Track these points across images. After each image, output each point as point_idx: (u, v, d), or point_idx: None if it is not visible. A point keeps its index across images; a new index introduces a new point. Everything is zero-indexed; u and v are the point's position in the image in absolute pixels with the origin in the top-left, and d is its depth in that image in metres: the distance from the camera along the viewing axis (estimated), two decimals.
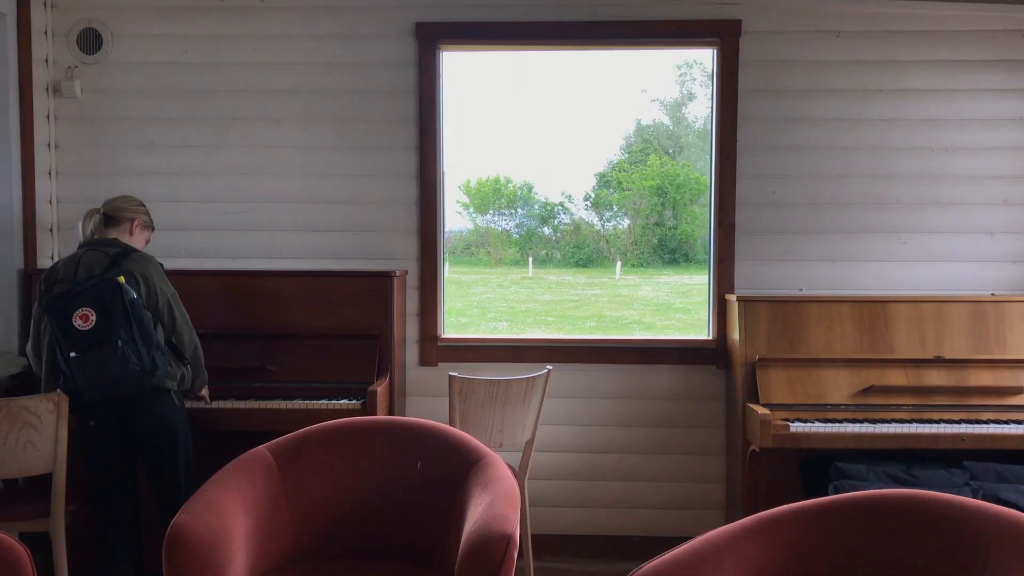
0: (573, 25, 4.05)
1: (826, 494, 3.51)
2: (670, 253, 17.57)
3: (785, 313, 3.84)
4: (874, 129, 4.05)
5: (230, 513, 2.57)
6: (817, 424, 3.53)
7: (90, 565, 3.47)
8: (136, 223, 3.39)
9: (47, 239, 4.13)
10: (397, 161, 4.16)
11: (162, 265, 3.36)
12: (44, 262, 4.07)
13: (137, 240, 3.39)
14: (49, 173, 4.14)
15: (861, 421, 3.56)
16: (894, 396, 3.71)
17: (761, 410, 3.56)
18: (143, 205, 3.45)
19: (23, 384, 3.75)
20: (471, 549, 2.38)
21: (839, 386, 3.74)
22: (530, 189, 17.22)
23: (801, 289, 4.10)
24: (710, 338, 4.17)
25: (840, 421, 3.56)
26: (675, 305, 16.16)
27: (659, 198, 16.89)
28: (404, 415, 4.14)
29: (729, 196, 4.09)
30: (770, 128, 4.08)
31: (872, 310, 3.84)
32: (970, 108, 4.04)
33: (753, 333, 3.83)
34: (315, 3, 4.12)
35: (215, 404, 3.60)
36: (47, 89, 4.12)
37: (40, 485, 3.38)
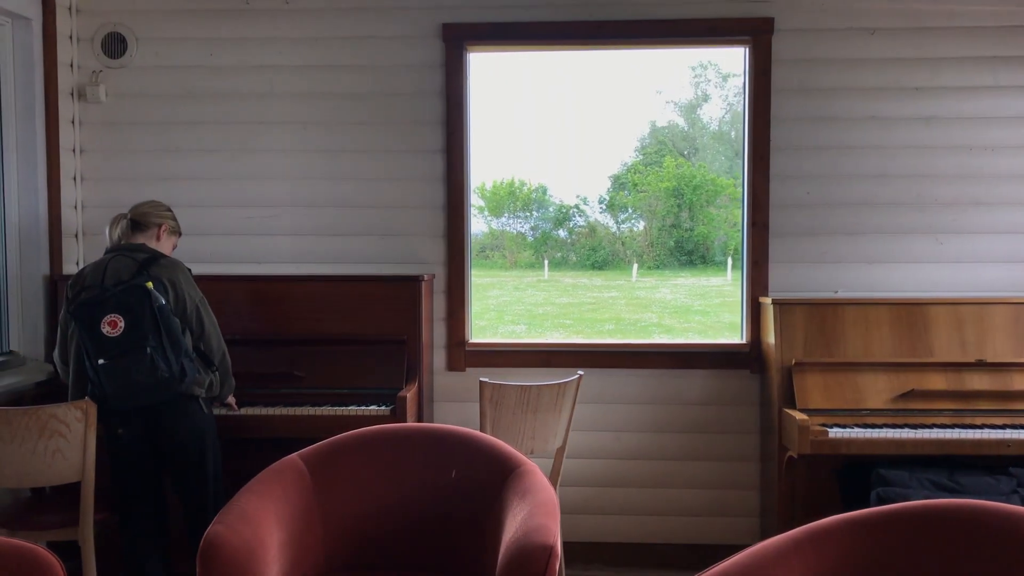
0: (602, 25, 3.99)
1: (867, 501, 3.46)
2: (687, 255, 17.48)
3: (821, 316, 3.77)
4: (911, 128, 3.97)
5: (264, 523, 2.52)
6: (856, 430, 3.45)
7: (118, 574, 3.43)
8: (163, 228, 3.35)
9: (72, 245, 4.10)
10: (424, 164, 4.11)
11: (190, 270, 3.32)
12: (70, 268, 4.04)
13: (164, 245, 3.35)
14: (74, 178, 4.12)
15: (901, 426, 3.48)
16: (934, 401, 3.62)
17: (799, 416, 3.48)
18: (170, 210, 3.41)
19: (49, 391, 3.73)
20: (511, 561, 2.32)
21: (878, 390, 3.66)
22: (545, 191, 17.16)
23: (836, 292, 4.02)
24: (743, 342, 4.10)
25: (880, 427, 3.48)
26: (694, 307, 16.07)
27: (675, 200, 16.81)
28: (432, 421, 4.08)
29: (762, 197, 4.01)
30: (804, 128, 4.00)
31: (911, 313, 3.76)
32: (1010, 105, 3.94)
33: (789, 337, 3.75)
34: (341, 5, 4.07)
35: (243, 411, 3.56)
36: (72, 94, 4.09)
37: (67, 494, 3.35)
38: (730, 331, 14.00)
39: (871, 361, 3.69)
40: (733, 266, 17.39)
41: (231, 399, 3.51)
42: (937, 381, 3.64)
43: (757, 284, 4.03)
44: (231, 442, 3.48)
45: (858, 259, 4.02)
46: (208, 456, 3.29)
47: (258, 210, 4.15)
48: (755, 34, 3.98)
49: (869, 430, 3.45)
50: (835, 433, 3.43)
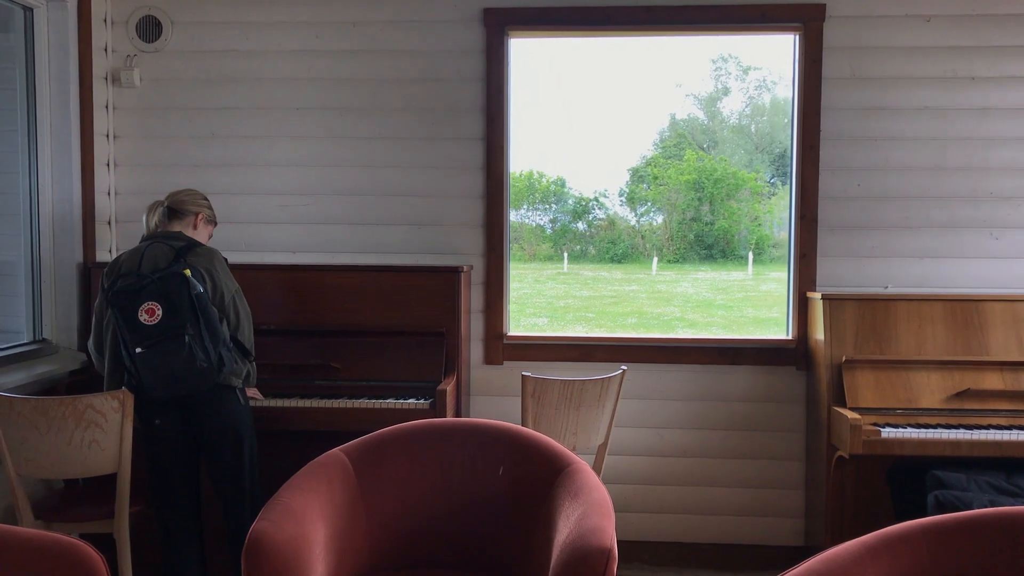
0: (651, 9, 3.88)
1: (920, 503, 3.35)
2: (707, 249, 17.31)
3: (872, 312, 3.65)
4: (966, 119, 3.85)
5: (309, 520, 2.44)
6: (910, 430, 3.34)
7: (152, 567, 3.37)
8: (200, 217, 3.28)
9: (105, 232, 4.03)
10: (463, 152, 4.02)
11: (226, 259, 3.24)
12: (102, 255, 3.98)
13: (200, 234, 3.28)
14: (107, 164, 4.05)
15: (956, 427, 3.37)
16: (990, 401, 3.51)
17: (851, 415, 3.37)
18: (207, 199, 3.33)
19: (83, 380, 3.67)
20: (567, 563, 2.23)
21: (931, 390, 3.54)
22: (563, 184, 17.02)
23: (887, 287, 3.90)
24: (789, 338, 3.98)
25: (934, 427, 3.37)
26: (717, 302, 15.90)
27: (696, 193, 16.65)
28: (469, 415, 4.00)
29: (811, 189, 3.90)
30: (855, 118, 3.88)
31: (965, 309, 3.64)
32: None
33: (839, 333, 3.64)
34: None
35: (279, 403, 3.49)
36: (106, 78, 4.02)
37: (100, 485, 3.29)
38: (754, 326, 13.85)
39: (924, 359, 3.58)
40: (755, 260, 17.26)
41: (254, 390, 3.44)
42: (993, 380, 3.53)
43: (805, 278, 3.92)
44: (266, 434, 3.40)
45: (909, 254, 3.90)
46: (244, 447, 3.21)
47: (293, 198, 4.07)
48: (806, 21, 3.86)
49: (923, 430, 3.34)
50: (888, 433, 3.33)
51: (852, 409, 3.47)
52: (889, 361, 3.58)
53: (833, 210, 3.91)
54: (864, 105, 3.87)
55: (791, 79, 3.98)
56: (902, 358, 3.59)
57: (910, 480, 3.50)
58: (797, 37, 3.91)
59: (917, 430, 3.34)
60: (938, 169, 3.87)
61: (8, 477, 3.00)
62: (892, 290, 3.89)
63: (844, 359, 3.58)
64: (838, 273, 3.93)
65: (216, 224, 3.41)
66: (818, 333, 3.73)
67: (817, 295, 3.74)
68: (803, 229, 3.92)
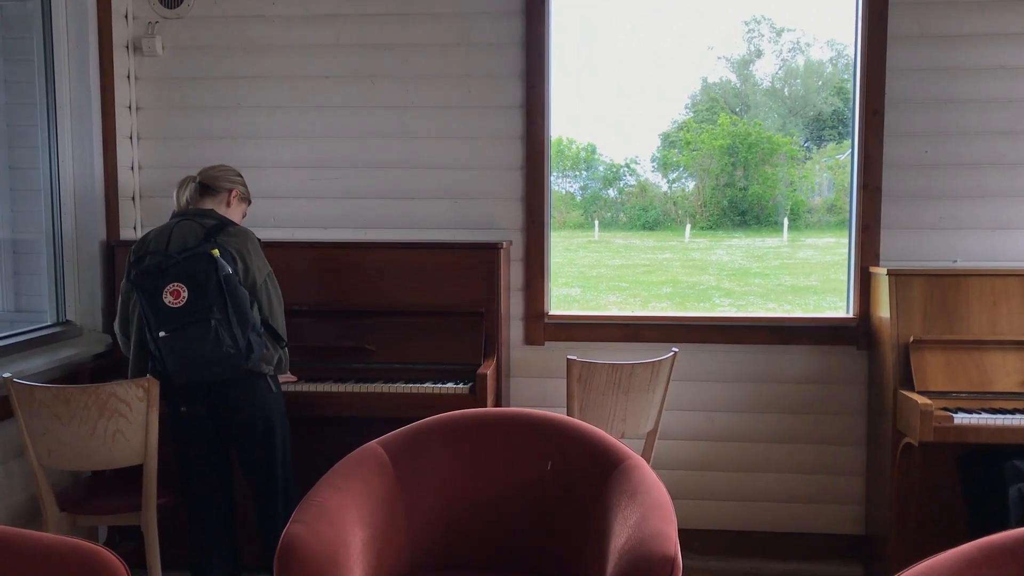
0: None
1: (997, 494, 3.14)
2: (740, 215, 17.04)
3: (942, 288, 3.40)
4: None
5: (345, 521, 2.27)
6: (985, 415, 3.11)
7: (182, 559, 3.24)
8: (233, 194, 3.10)
9: (129, 208, 3.87)
10: (501, 121, 3.80)
11: (259, 240, 3.06)
12: (127, 233, 3.82)
13: (234, 213, 3.10)
14: (130, 137, 3.87)
15: None
16: None
17: (921, 399, 3.14)
18: (240, 176, 3.16)
19: (108, 364, 3.53)
20: (626, 573, 2.04)
21: (1007, 372, 3.30)
22: (593, 151, 16.78)
23: (955, 261, 3.65)
24: (850, 316, 3.75)
25: (1011, 412, 3.14)
26: (752, 270, 15.62)
27: (729, 158, 16.37)
28: (508, 398, 3.82)
29: (875, 156, 3.64)
30: (923, 79, 3.61)
31: None
32: None
33: (906, 311, 3.40)
34: None
35: (311, 387, 3.32)
36: (127, 47, 3.83)
37: (128, 476, 3.15)
38: (793, 295, 13.57)
39: (999, 339, 3.33)
40: (790, 227, 16.93)
41: (287, 374, 3.28)
42: None
43: (868, 252, 3.67)
44: (298, 420, 3.25)
45: (981, 225, 3.64)
46: (276, 437, 3.05)
47: (323, 171, 3.88)
48: None
49: (999, 416, 3.11)
50: (961, 419, 3.10)
51: (921, 393, 3.24)
52: (960, 341, 3.34)
53: (898, 179, 3.65)
54: (933, 65, 3.59)
55: (853, 38, 3.70)
56: (974, 338, 3.35)
57: (984, 469, 3.28)
58: None
59: (993, 416, 3.11)
60: (1013, 134, 3.59)
61: (31, 468, 2.86)
62: (962, 264, 3.63)
63: (912, 339, 3.34)
64: (903, 246, 3.67)
65: (250, 203, 3.24)
66: (882, 311, 3.49)
67: (882, 270, 3.50)
68: (866, 199, 3.66)
